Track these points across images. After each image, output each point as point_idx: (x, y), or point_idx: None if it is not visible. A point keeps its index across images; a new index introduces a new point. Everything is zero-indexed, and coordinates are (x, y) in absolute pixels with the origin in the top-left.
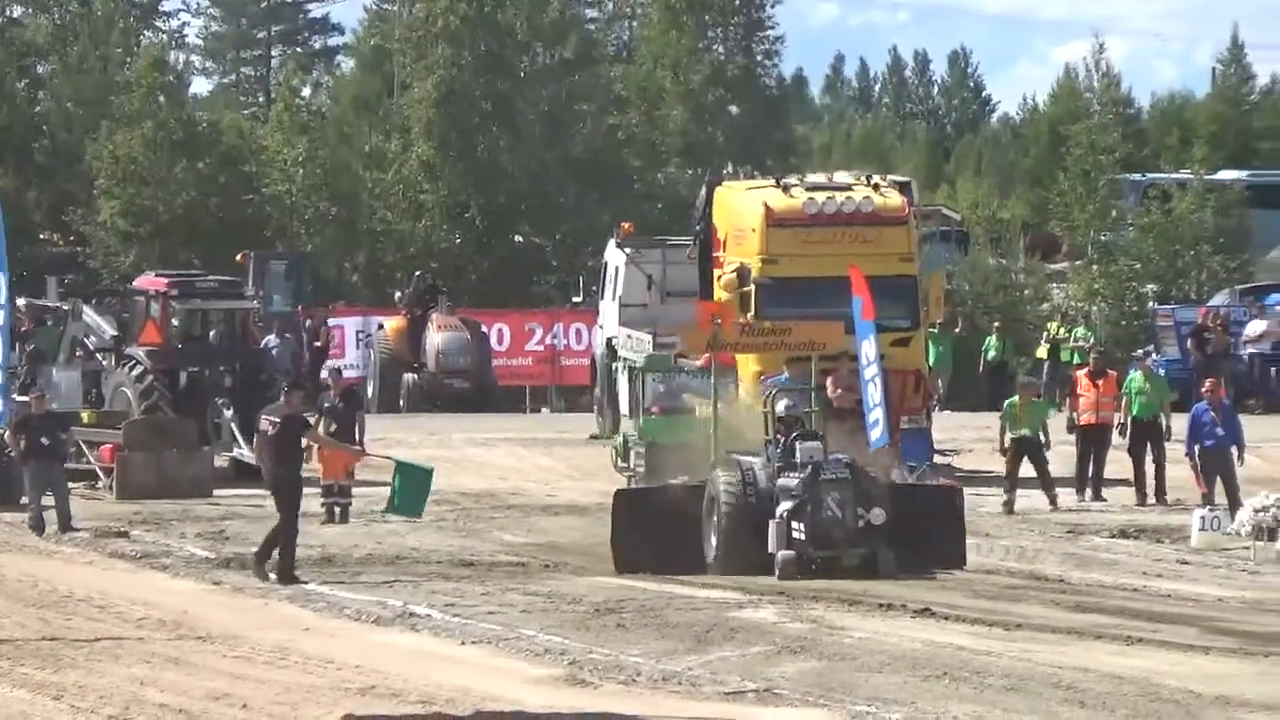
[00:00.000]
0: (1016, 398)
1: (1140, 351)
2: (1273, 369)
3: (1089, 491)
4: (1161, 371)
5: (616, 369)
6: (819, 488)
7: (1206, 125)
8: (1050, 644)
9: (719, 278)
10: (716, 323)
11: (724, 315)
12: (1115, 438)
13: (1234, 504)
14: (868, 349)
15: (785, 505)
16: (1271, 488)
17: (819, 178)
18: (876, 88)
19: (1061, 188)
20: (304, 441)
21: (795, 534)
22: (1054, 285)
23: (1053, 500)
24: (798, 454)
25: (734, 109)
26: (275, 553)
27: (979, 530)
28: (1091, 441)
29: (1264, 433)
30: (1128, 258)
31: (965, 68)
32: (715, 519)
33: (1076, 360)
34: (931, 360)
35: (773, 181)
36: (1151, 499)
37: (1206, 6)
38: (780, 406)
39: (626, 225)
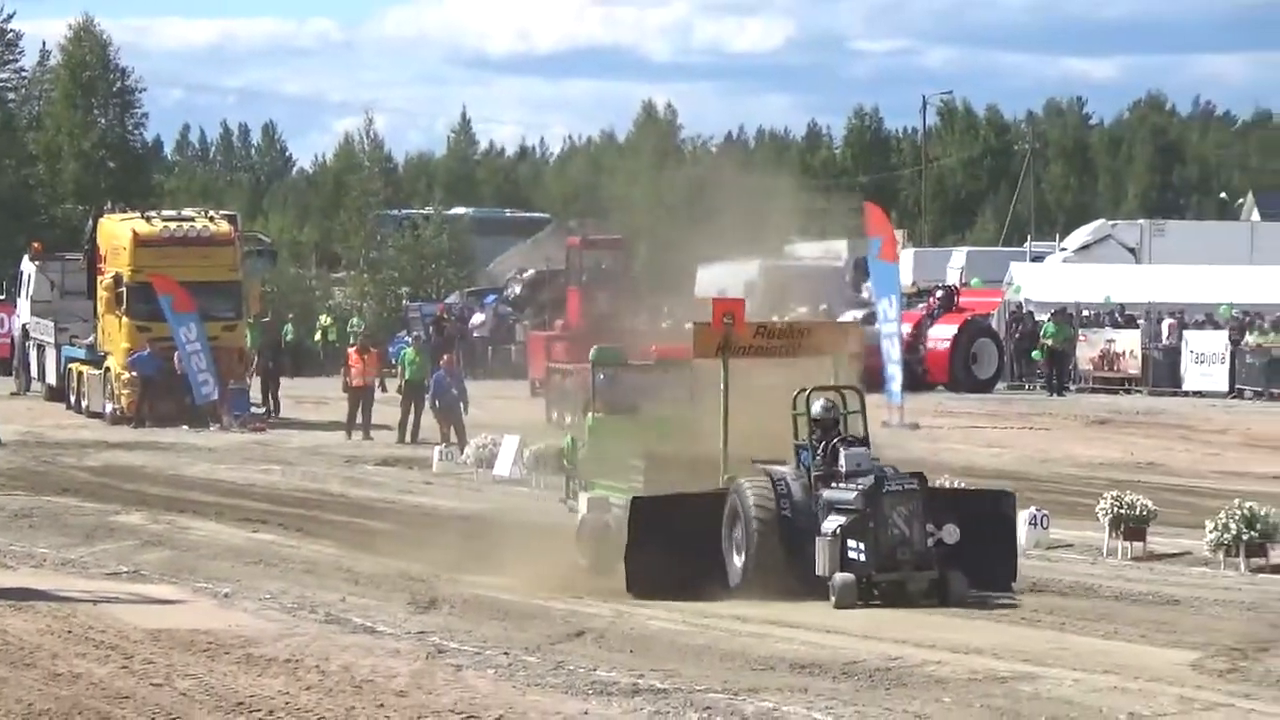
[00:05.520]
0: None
1: (413, 334)
2: (490, 348)
3: (359, 434)
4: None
5: (29, 346)
6: (882, 501)
7: (445, 176)
8: (334, 539)
9: (101, 282)
10: (728, 322)
11: (737, 313)
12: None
13: (462, 442)
14: (185, 333)
15: (837, 521)
16: (490, 430)
17: (172, 212)
18: (212, 148)
19: (342, 220)
20: None
21: (853, 555)
22: (335, 288)
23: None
24: (842, 461)
25: (112, 164)
26: None
27: (284, 460)
28: (360, 398)
29: (484, 392)
30: (389, 269)
31: (274, 135)
32: (742, 535)
33: (353, 341)
34: (249, 342)
35: (139, 214)
36: (408, 438)
37: (443, 92)
38: (817, 407)
39: (37, 245)
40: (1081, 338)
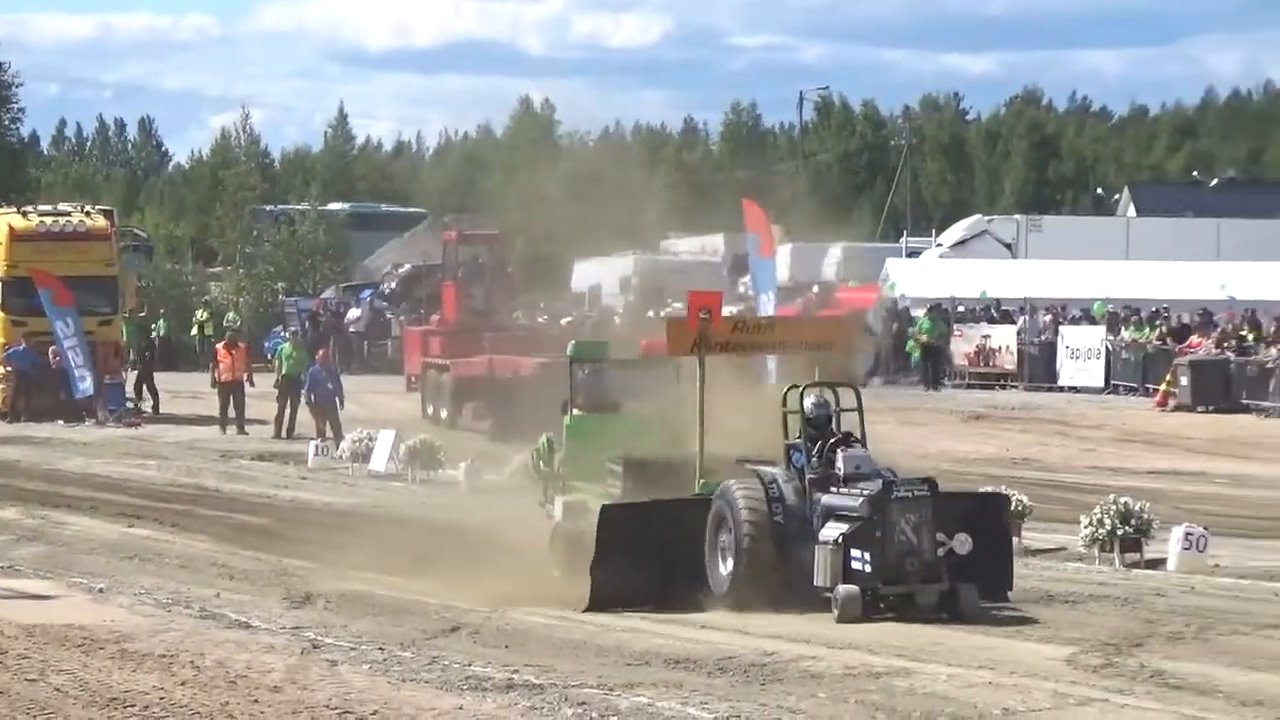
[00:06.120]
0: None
1: (290, 329)
2: (365, 343)
3: (233, 428)
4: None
5: None
6: (890, 508)
7: (322, 171)
8: (209, 534)
9: None
10: (704, 317)
11: (714, 307)
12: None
13: (337, 437)
14: (63, 328)
15: (838, 529)
16: (366, 425)
17: (48, 207)
18: (89, 143)
19: (219, 215)
20: None
21: (857, 565)
22: (212, 283)
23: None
24: (840, 463)
25: None
26: None
27: (159, 454)
28: (229, 393)
29: (360, 387)
30: (265, 264)
31: (150, 130)
32: (730, 540)
33: (227, 335)
34: (125, 336)
35: (16, 209)
36: (284, 433)
37: (320, 87)
38: (809, 405)
39: None
40: (957, 333)
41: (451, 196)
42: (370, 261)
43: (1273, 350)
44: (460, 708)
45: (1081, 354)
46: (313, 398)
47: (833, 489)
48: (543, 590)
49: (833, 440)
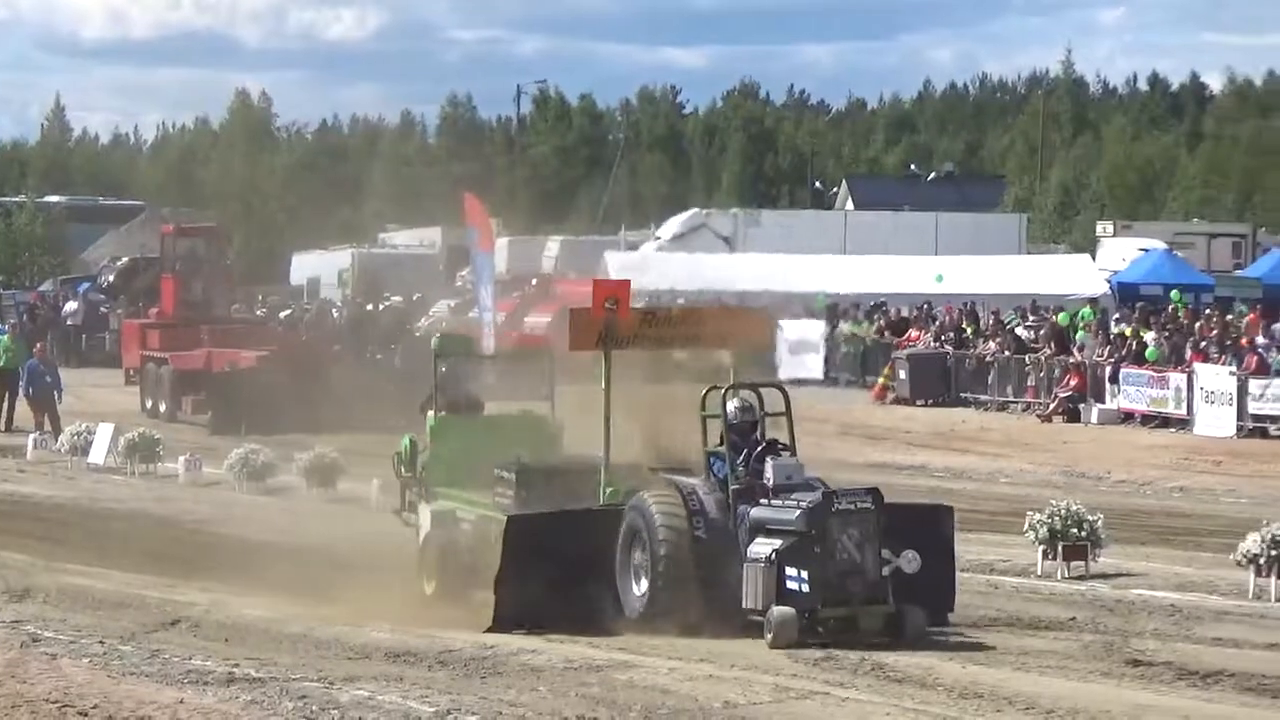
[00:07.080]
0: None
1: (10, 322)
2: (83, 336)
3: None
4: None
5: None
6: (831, 523)
7: (39, 163)
8: None
9: None
10: (610, 308)
11: (622, 297)
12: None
13: (56, 430)
14: None
15: (771, 544)
16: (84, 418)
17: None
18: None
19: None
20: None
21: (792, 585)
22: None
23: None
24: (770, 473)
25: None
26: None
27: None
28: None
29: (78, 380)
30: None
31: None
32: (645, 558)
33: None
34: None
35: None
36: (2, 426)
37: (36, 78)
38: (732, 408)
39: None
40: None
41: (169, 190)
42: (88, 254)
43: (991, 344)
44: (181, 701)
45: (800, 347)
46: (30, 391)
47: (761, 501)
48: (415, 608)
49: (759, 448)
